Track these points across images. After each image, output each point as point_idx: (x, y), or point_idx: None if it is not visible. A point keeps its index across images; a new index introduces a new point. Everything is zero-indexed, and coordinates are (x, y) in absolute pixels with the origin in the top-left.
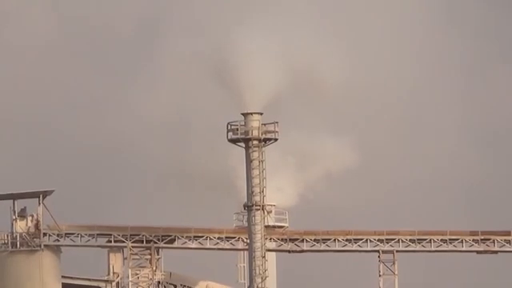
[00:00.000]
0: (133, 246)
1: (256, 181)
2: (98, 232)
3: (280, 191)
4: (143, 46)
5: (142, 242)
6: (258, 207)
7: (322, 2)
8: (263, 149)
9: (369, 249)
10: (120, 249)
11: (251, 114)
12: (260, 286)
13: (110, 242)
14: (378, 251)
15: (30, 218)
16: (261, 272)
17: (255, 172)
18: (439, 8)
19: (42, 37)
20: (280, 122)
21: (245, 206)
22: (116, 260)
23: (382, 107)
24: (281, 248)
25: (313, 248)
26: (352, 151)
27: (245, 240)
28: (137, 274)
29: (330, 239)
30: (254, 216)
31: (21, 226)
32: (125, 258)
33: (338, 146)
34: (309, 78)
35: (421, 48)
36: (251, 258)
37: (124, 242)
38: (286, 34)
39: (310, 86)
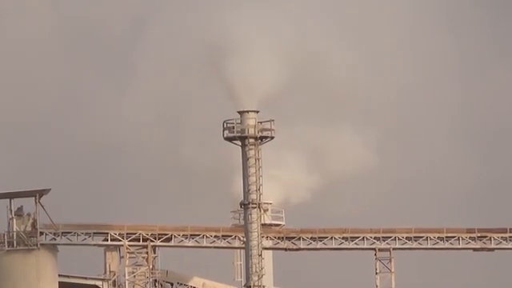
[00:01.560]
0: (129, 245)
1: (252, 179)
2: (94, 231)
3: (278, 189)
4: (140, 44)
5: (139, 240)
6: (255, 205)
7: (321, 3)
8: (260, 147)
9: (365, 247)
10: (116, 247)
11: (247, 111)
12: (257, 284)
13: (107, 240)
14: (374, 249)
15: (26, 217)
16: (257, 270)
17: (251, 170)
18: (439, 8)
19: (40, 36)
20: (277, 118)
21: (241, 205)
22: (112, 259)
23: (379, 106)
24: (277, 246)
25: (309, 246)
26: (350, 151)
27: (241, 238)
28: (133, 273)
29: (326, 237)
30: (251, 214)
31: (17, 225)
32: (121, 257)
33: (338, 146)
34: (308, 74)
35: (420, 48)
36: (248, 256)
37: (120, 240)
38: (284, 30)
39: (309, 82)
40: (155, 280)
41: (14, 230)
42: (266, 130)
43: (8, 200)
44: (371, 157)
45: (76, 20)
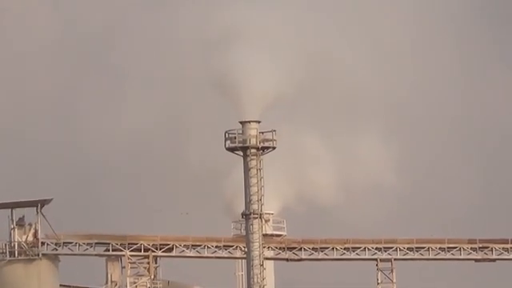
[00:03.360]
0: (131, 255)
1: (254, 189)
2: (96, 241)
3: (279, 199)
4: (142, 50)
5: (140, 250)
6: (256, 216)
7: (322, 3)
8: (261, 157)
9: (367, 257)
10: (118, 257)
11: (249, 122)
12: None
13: (108, 250)
14: (376, 259)
15: (28, 227)
16: (259, 280)
17: (253, 180)
18: (439, 8)
19: (40, 36)
20: (279, 128)
21: (243, 215)
22: (114, 269)
23: (379, 109)
24: (279, 256)
25: (311, 257)
26: (351, 156)
27: (243, 248)
28: (135, 283)
29: (328, 248)
30: (252, 224)
31: (19, 235)
32: (123, 267)
33: (339, 149)
34: (311, 77)
35: (420, 48)
36: (249, 267)
37: (122, 250)
38: (285, 33)
39: (312, 85)
40: None
41: (16, 240)
42: (267, 140)
43: (9, 210)
44: (372, 165)
45: (76, 21)
